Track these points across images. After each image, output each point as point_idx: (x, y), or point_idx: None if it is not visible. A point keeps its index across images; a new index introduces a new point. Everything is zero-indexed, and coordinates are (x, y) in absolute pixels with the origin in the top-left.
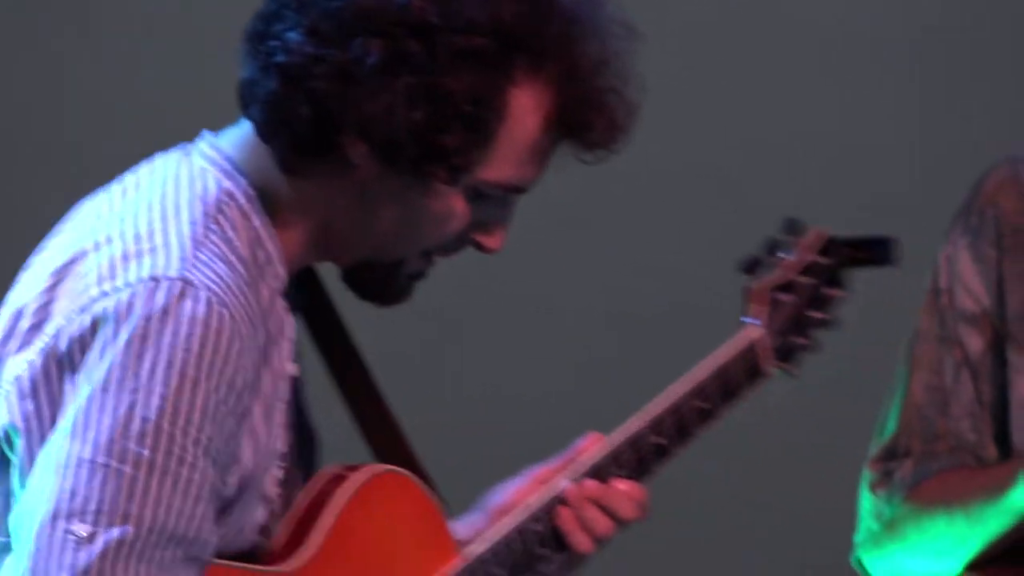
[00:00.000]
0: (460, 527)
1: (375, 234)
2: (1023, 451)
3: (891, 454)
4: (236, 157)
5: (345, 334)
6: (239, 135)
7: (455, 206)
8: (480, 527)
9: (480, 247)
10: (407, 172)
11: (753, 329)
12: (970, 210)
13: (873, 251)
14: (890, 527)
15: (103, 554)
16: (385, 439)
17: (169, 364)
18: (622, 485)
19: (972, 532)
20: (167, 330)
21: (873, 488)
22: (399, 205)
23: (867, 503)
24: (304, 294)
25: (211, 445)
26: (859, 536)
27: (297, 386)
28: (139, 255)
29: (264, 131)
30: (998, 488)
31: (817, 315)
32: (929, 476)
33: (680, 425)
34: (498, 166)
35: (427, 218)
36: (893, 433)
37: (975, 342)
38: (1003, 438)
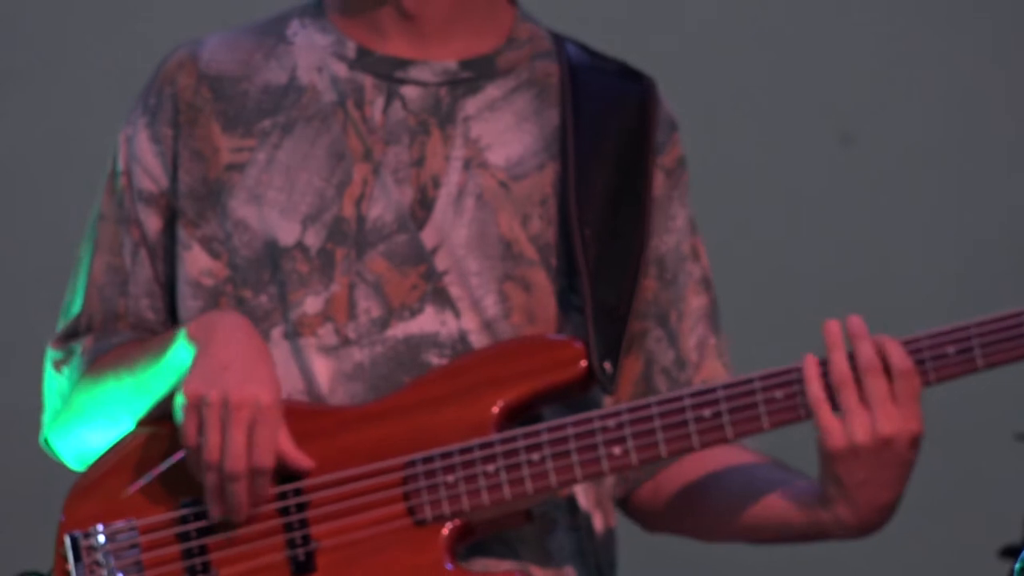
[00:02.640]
0: None
1: None
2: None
3: (74, 333)
4: None
5: None
6: None
7: None
8: None
9: None
10: None
11: None
12: (149, 91)
13: None
14: (69, 401)
15: None
16: None
17: None
18: None
19: (139, 392)
20: None
21: (56, 367)
22: None
23: (50, 382)
24: None
25: None
26: (45, 417)
27: None
28: None
29: None
30: (161, 348)
31: None
32: (107, 350)
33: None
34: None
35: None
36: (76, 313)
37: (153, 222)
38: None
